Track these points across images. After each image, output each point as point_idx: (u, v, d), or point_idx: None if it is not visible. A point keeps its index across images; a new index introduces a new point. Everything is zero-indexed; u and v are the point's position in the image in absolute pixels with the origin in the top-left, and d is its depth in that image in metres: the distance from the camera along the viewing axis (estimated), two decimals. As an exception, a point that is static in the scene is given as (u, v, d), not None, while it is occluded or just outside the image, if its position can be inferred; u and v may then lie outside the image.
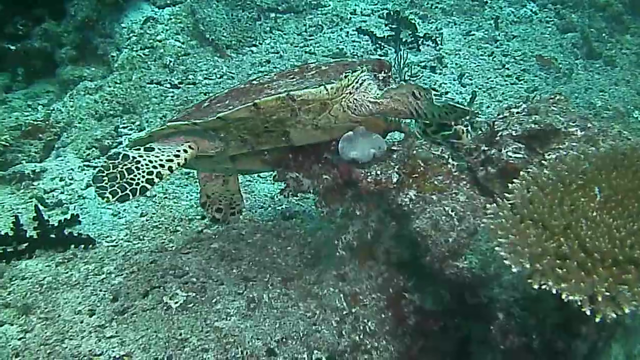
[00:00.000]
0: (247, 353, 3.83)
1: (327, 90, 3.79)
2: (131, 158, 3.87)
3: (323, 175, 3.91)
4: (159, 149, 4.01)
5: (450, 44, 9.36)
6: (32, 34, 8.49)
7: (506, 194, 2.82)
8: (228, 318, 4.07)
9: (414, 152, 3.74)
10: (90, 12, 8.47)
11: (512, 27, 10.02)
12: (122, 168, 3.82)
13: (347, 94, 3.89)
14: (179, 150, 4.02)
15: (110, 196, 3.68)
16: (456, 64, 8.82)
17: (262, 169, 4.66)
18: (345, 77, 3.87)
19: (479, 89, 8.23)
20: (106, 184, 3.73)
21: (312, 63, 4.27)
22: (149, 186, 3.79)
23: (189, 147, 4.08)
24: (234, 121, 3.99)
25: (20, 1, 8.42)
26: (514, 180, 2.90)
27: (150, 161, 3.90)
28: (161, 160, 3.93)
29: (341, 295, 4.06)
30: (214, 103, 4.17)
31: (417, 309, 3.81)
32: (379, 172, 3.69)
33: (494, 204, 2.80)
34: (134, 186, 3.74)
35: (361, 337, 3.87)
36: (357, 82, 3.92)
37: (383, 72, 4.15)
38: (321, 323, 4.02)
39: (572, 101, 8.34)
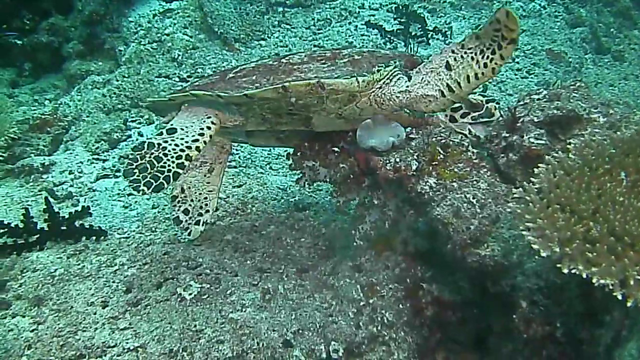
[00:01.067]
0: (263, 345, 3.77)
1: (358, 82, 3.78)
2: (156, 146, 3.83)
3: (340, 164, 3.86)
4: (182, 129, 3.97)
5: (460, 38, 9.27)
6: (39, 29, 8.49)
7: (532, 179, 2.77)
8: (243, 309, 4.02)
9: (433, 139, 3.69)
10: (97, 6, 8.46)
11: (521, 22, 9.89)
12: (150, 157, 3.77)
13: (376, 88, 3.87)
14: (202, 128, 3.99)
15: (145, 188, 3.66)
16: (466, 57, 8.77)
17: (275, 145, 4.67)
18: (378, 71, 3.84)
19: (489, 82, 8.15)
20: (138, 176, 3.70)
21: (344, 49, 4.23)
22: (180, 171, 3.77)
23: (212, 122, 4.05)
24: (260, 100, 3.96)
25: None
26: (540, 164, 2.83)
27: (177, 145, 3.85)
28: (187, 142, 3.88)
29: (358, 286, 4.01)
30: (239, 76, 4.09)
31: (435, 299, 3.76)
32: (398, 160, 3.64)
33: (520, 189, 2.74)
34: (166, 174, 3.72)
35: (379, 328, 3.82)
36: (388, 79, 3.89)
37: (415, 69, 4.03)
38: (338, 314, 3.97)
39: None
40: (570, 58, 9.08)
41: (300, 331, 3.90)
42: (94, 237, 4.63)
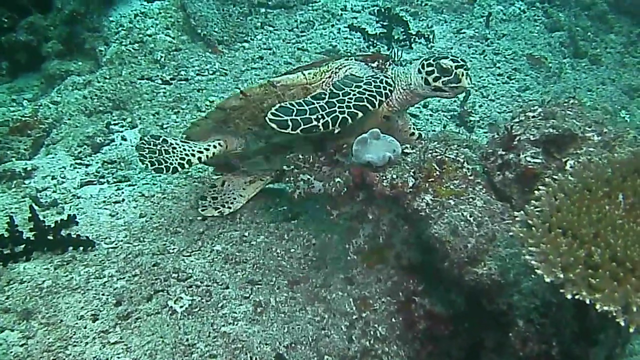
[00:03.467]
0: (256, 359, 3.78)
1: (304, 75, 4.23)
2: (169, 143, 4.59)
3: (335, 178, 3.85)
4: (194, 142, 4.75)
5: (442, 42, 9.32)
6: (18, 27, 8.25)
7: (533, 201, 2.78)
8: (235, 323, 4.01)
9: (429, 155, 3.70)
10: (77, 5, 8.26)
11: (501, 26, 10.01)
12: (160, 147, 4.54)
13: (326, 78, 4.25)
14: (208, 145, 4.72)
15: (148, 164, 4.42)
16: (448, 62, 8.77)
17: None
18: (326, 64, 4.25)
19: (471, 87, 8.18)
20: (147, 154, 4.47)
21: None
22: (180, 168, 4.51)
23: (218, 144, 4.77)
24: (232, 110, 4.55)
25: (5, -7, 8.20)
26: (539, 186, 2.85)
27: (184, 149, 4.60)
28: (193, 150, 4.62)
29: (350, 299, 4.02)
30: None
31: (428, 313, 3.78)
32: (394, 176, 3.64)
33: (522, 212, 2.76)
34: (167, 164, 4.45)
35: (371, 342, 3.84)
36: (337, 68, 4.26)
37: (376, 61, 4.39)
38: (330, 328, 3.98)
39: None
40: (550, 63, 9.15)
41: (293, 345, 3.91)
42: (81, 247, 4.55)
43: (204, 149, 4.68)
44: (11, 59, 8.36)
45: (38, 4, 8.37)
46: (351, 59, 4.35)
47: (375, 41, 8.94)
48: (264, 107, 4.34)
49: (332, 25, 9.40)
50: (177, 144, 4.63)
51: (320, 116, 3.73)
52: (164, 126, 6.69)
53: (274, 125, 3.69)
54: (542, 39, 9.88)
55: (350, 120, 3.80)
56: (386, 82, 4.10)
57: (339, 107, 3.79)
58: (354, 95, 3.90)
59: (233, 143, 4.86)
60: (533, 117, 3.59)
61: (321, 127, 3.72)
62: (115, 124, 6.91)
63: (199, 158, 4.62)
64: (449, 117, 7.50)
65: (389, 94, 4.08)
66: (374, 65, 4.37)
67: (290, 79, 4.25)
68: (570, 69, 9.59)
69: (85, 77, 7.81)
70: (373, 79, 4.09)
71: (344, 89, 3.95)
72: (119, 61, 7.98)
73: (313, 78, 4.24)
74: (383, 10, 9.58)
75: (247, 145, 4.85)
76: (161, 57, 8.04)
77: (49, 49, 8.21)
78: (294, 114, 3.73)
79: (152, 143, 4.54)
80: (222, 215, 5.09)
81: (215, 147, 4.73)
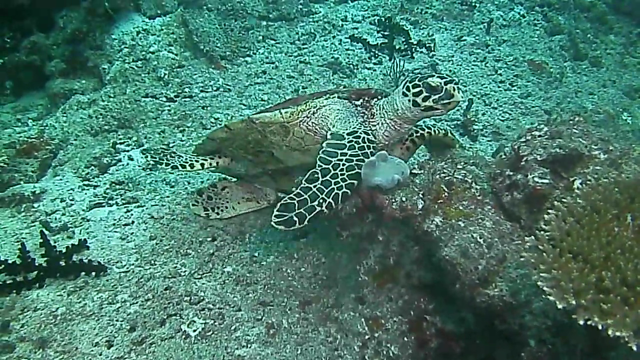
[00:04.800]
0: (270, 382, 3.81)
1: (281, 114, 4.30)
2: (175, 153, 5.20)
3: (344, 201, 3.88)
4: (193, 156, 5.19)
5: (443, 50, 9.34)
6: (20, 47, 8.29)
7: (543, 226, 2.81)
8: (249, 345, 4.04)
9: (437, 176, 3.73)
10: (79, 24, 8.31)
11: (501, 31, 10.02)
12: (166, 152, 5.19)
13: (304, 117, 4.28)
14: (213, 156, 5.08)
15: (149, 158, 5.10)
16: (450, 70, 8.79)
17: None
18: (304, 103, 4.27)
19: (474, 95, 8.21)
20: (153, 155, 5.09)
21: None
22: (180, 168, 4.91)
23: (223, 155, 5.08)
24: (221, 141, 4.86)
25: (7, 13, 8.21)
26: (549, 210, 2.88)
27: (185, 158, 5.03)
28: (197, 159, 5.02)
29: (362, 319, 4.06)
30: None
31: (439, 331, 3.81)
32: (404, 199, 3.68)
33: (532, 237, 2.79)
34: (167, 162, 4.97)
35: (384, 361, 3.87)
36: (314, 107, 4.27)
37: (361, 99, 4.37)
38: (343, 348, 4.02)
39: (565, 106, 8.40)
40: (551, 68, 9.17)
41: (307, 366, 3.94)
42: (93, 273, 4.58)
43: (209, 158, 5.06)
44: (15, 78, 8.38)
45: (40, 23, 8.41)
46: (334, 97, 4.33)
47: (376, 52, 8.96)
48: (248, 140, 4.61)
49: (334, 37, 9.43)
50: (182, 155, 5.16)
51: (321, 200, 3.65)
52: (170, 145, 6.71)
53: (281, 227, 3.61)
54: (542, 44, 9.89)
55: (350, 192, 3.73)
56: (367, 139, 4.06)
57: (335, 184, 3.71)
58: (343, 165, 3.80)
59: (237, 164, 5.14)
60: (539, 136, 3.62)
61: (326, 211, 3.64)
62: (121, 143, 6.92)
63: (202, 164, 4.98)
64: (453, 126, 7.50)
65: (373, 150, 3.98)
66: (358, 103, 4.35)
67: (268, 116, 4.34)
68: (571, 72, 9.60)
69: (89, 96, 7.82)
70: (354, 140, 4.02)
71: (332, 161, 3.85)
72: (123, 79, 8.01)
73: (290, 117, 4.28)
74: (383, 19, 9.61)
75: (247, 169, 5.07)
76: (165, 74, 8.07)
77: (53, 68, 8.25)
78: (296, 207, 3.64)
79: (159, 151, 5.19)
80: (207, 217, 5.40)
81: (220, 157, 5.07)
